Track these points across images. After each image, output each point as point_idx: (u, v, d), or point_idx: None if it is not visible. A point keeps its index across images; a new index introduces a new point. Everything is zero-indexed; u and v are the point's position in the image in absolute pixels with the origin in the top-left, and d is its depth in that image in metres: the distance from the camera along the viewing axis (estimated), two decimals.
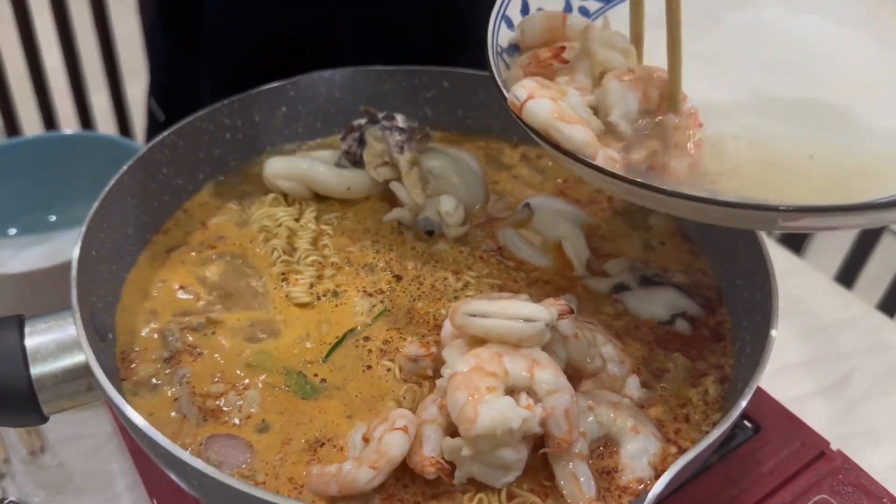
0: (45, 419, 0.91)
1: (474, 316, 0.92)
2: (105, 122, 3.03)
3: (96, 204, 1.04)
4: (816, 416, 1.40)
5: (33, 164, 1.52)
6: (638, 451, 0.93)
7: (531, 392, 0.90)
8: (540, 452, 0.90)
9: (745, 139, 0.96)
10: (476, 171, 1.31)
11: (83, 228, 1.00)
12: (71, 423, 1.24)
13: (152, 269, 1.12)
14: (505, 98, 0.96)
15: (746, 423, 1.24)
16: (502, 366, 0.90)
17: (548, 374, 0.91)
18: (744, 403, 0.90)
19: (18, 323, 0.91)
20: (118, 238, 1.09)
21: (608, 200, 1.32)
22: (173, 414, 0.94)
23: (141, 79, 1.87)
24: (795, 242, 2.33)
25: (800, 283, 1.75)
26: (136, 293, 1.08)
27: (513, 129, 1.42)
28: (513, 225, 1.25)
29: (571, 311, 0.94)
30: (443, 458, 0.88)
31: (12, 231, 1.52)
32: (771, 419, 1.25)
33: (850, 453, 1.18)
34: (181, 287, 1.10)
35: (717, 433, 0.86)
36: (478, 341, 0.94)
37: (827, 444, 1.20)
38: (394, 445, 0.87)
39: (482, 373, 0.89)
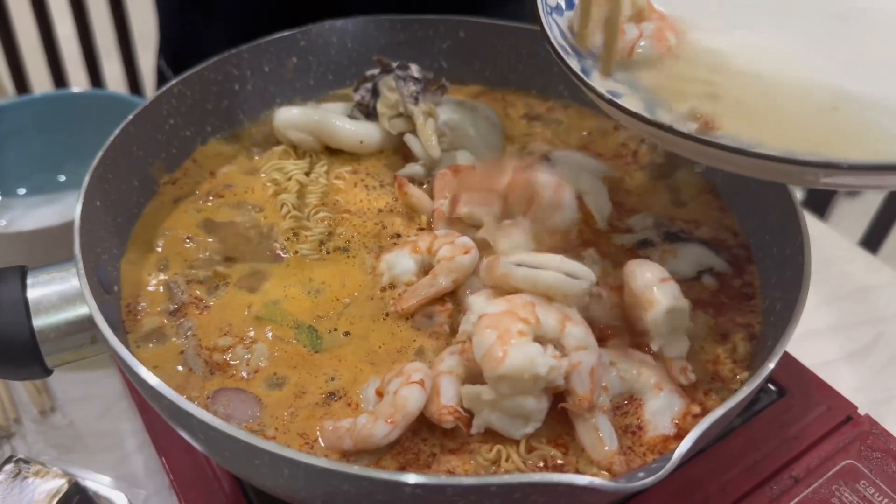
0: (48, 372, 0.88)
1: (520, 266, 0.88)
2: (117, 89, 3.01)
3: (100, 153, 1.00)
4: (843, 382, 1.35)
5: (41, 122, 1.49)
6: (661, 408, 0.90)
7: (559, 345, 0.87)
8: (560, 406, 0.86)
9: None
10: (494, 124, 1.27)
11: (87, 179, 0.96)
12: (81, 383, 1.22)
13: (158, 220, 1.08)
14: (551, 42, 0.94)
15: (771, 386, 1.20)
16: (534, 314, 0.87)
17: (578, 330, 0.88)
18: (773, 363, 0.86)
19: (21, 274, 0.88)
20: (123, 190, 1.06)
21: (633, 155, 1.27)
22: (179, 367, 0.91)
23: (153, 46, 1.84)
24: (819, 206, 2.27)
25: (825, 247, 1.69)
26: (142, 245, 1.05)
27: (533, 81, 1.37)
28: None
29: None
30: (461, 408, 0.85)
31: (22, 191, 1.49)
32: (796, 383, 1.21)
33: (877, 419, 1.14)
34: (188, 237, 1.06)
35: (746, 391, 0.82)
36: (504, 294, 0.91)
37: (854, 408, 1.16)
38: (410, 399, 0.84)
39: (514, 317, 0.86)
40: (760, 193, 1.10)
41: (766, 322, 1.01)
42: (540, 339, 0.87)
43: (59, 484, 0.96)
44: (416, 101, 1.19)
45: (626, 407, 0.90)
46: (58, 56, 2.62)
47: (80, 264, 0.87)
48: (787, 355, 1.23)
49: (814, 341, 1.47)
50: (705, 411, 0.91)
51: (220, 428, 0.74)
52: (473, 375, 0.88)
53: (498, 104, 1.35)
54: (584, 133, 1.31)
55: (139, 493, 1.08)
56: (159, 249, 1.05)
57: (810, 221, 1.80)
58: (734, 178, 1.16)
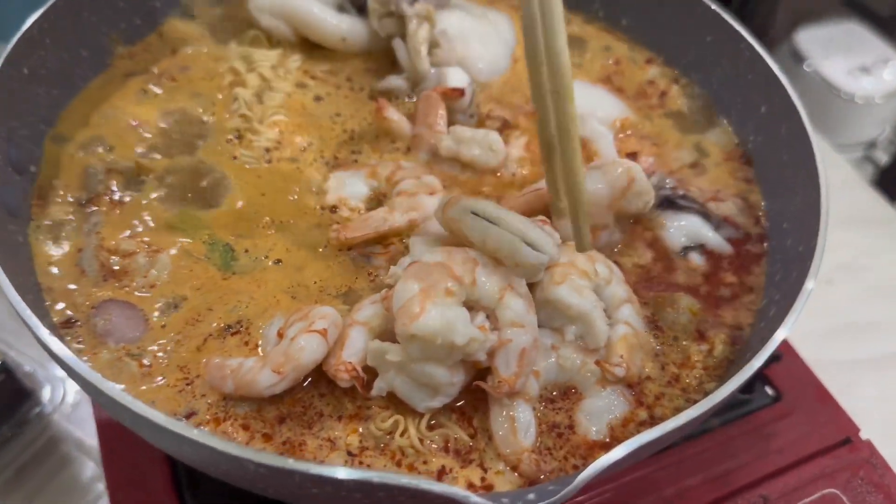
0: None
1: (475, 215, 0.74)
2: None
3: (36, 15, 0.88)
4: (861, 390, 1.20)
5: None
6: (599, 409, 0.76)
7: (493, 317, 0.75)
8: (475, 384, 0.74)
9: None
10: (505, 39, 1.09)
11: (11, 42, 0.85)
12: None
13: (102, 97, 0.97)
14: None
15: (768, 388, 1.06)
16: (472, 274, 0.74)
17: (518, 304, 0.75)
18: (741, 380, 0.71)
19: None
20: (66, 59, 0.94)
21: (660, 96, 1.08)
22: (75, 267, 0.81)
23: None
24: (893, 187, 1.99)
25: (886, 234, 1.48)
26: (75, 122, 0.93)
27: None
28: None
29: None
30: (362, 367, 0.74)
31: None
32: (797, 388, 1.06)
33: (883, 443, 0.99)
34: (128, 120, 0.95)
35: (692, 414, 0.67)
36: (452, 244, 0.78)
37: (856, 429, 1.01)
38: (306, 350, 0.73)
39: (446, 272, 0.73)
40: (792, 167, 0.92)
41: (756, 326, 0.86)
42: (471, 305, 0.74)
43: None
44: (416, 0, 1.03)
45: (559, 401, 0.77)
46: None
47: None
48: (794, 356, 1.08)
49: (845, 337, 1.30)
50: (653, 421, 0.78)
51: (70, 364, 0.65)
52: (389, 331, 0.76)
53: (517, 14, 1.16)
54: (611, 61, 1.12)
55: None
56: (93, 129, 0.93)
57: (877, 202, 1.59)
58: (772, 142, 0.97)
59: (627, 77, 1.10)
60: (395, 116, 0.96)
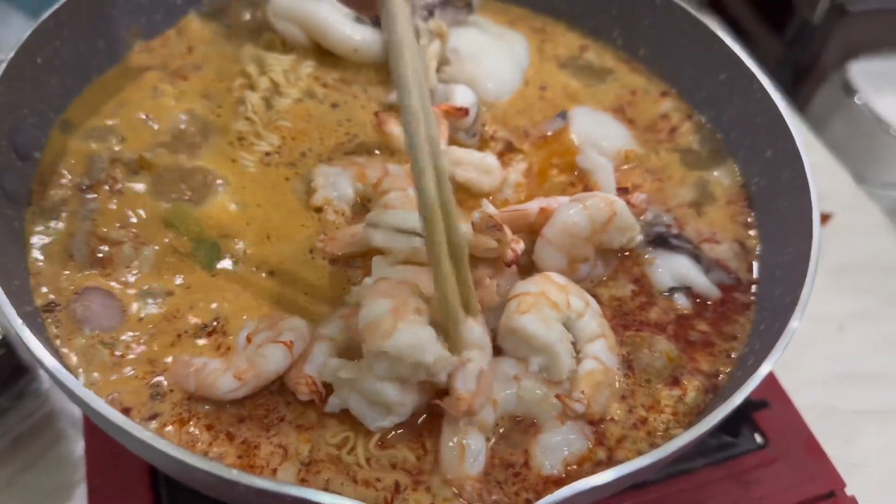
0: None
1: (377, 227, 0.76)
2: None
3: (56, 6, 0.91)
4: (860, 442, 1.17)
5: None
6: (556, 444, 0.76)
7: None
8: (433, 402, 0.74)
9: None
10: (518, 60, 1.09)
11: (26, 34, 0.87)
12: None
13: (116, 87, 0.99)
14: None
15: (756, 434, 1.03)
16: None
17: (479, 330, 0.75)
18: (704, 429, 0.70)
19: None
20: (82, 49, 0.97)
21: (670, 131, 1.07)
22: (64, 251, 0.84)
23: None
24: None
25: None
26: (86, 110, 0.96)
27: (585, 17, 1.17)
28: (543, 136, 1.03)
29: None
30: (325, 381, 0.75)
31: None
32: (786, 437, 1.03)
33: (871, 499, 0.97)
34: (139, 114, 0.97)
35: (645, 461, 0.67)
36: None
37: (842, 484, 0.98)
38: (270, 360, 0.75)
39: (413, 290, 0.74)
40: (790, 215, 0.90)
41: (734, 375, 0.84)
42: (434, 324, 0.74)
43: None
44: (431, 15, 1.03)
45: (514, 437, 0.77)
46: None
47: None
48: (784, 399, 1.06)
49: (854, 383, 1.26)
50: (611, 462, 0.77)
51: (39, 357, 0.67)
52: (352, 348, 0.77)
53: (536, 35, 1.16)
54: (627, 91, 1.11)
55: None
56: (103, 118, 0.96)
57: None
58: (773, 187, 0.96)
59: (640, 109, 1.09)
60: (395, 131, 0.97)
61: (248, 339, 0.79)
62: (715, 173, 1.02)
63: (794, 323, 0.75)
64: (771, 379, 1.05)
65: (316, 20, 1.04)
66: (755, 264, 0.93)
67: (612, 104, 1.10)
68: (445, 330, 0.74)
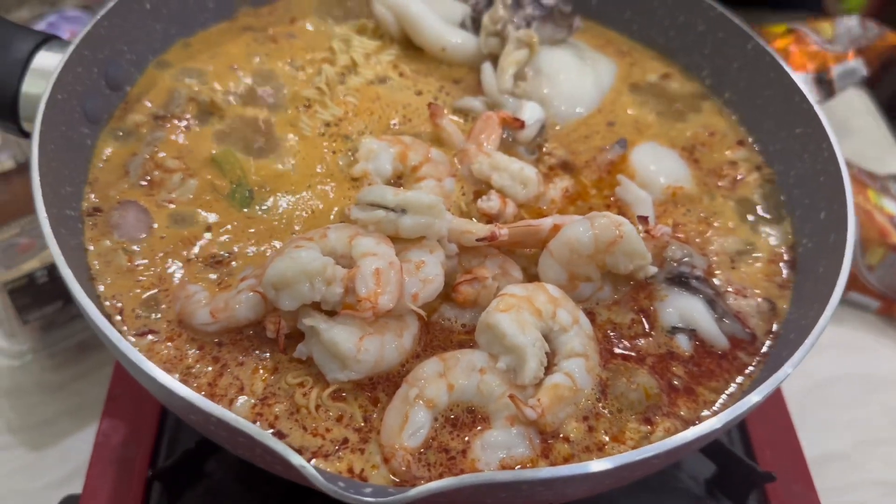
0: (25, 134, 0.91)
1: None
2: None
3: None
4: None
5: None
6: (499, 443, 0.75)
7: (351, 261, 0.79)
8: (343, 309, 0.76)
9: None
10: (600, 86, 1.09)
11: None
12: None
13: (216, 41, 1.09)
14: None
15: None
16: (324, 233, 0.81)
17: (367, 241, 0.80)
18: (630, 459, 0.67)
19: (40, 39, 0.90)
20: (191, 4, 1.07)
21: (733, 181, 1.02)
22: (122, 167, 0.93)
23: None
24: None
25: None
26: (182, 54, 1.07)
27: (678, 53, 1.14)
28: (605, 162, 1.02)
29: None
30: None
31: None
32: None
33: None
34: (230, 63, 1.06)
35: (556, 472, 0.65)
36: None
37: None
38: (243, 306, 0.79)
39: (301, 239, 0.81)
40: (822, 280, 0.84)
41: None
42: (337, 261, 0.79)
43: None
44: (527, 24, 1.05)
45: (462, 425, 0.77)
46: None
47: (69, 55, 0.87)
48: (805, 476, 0.98)
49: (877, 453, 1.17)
50: None
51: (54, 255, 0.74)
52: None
53: (624, 60, 1.16)
54: (705, 131, 1.08)
55: None
56: (197, 62, 1.06)
57: None
58: (818, 251, 0.90)
59: (709, 151, 1.05)
60: (448, 126, 0.99)
61: (241, 279, 0.83)
62: (768, 227, 0.97)
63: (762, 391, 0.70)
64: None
65: (409, 12, 1.09)
66: (778, 326, 0.87)
67: (685, 142, 1.06)
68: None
